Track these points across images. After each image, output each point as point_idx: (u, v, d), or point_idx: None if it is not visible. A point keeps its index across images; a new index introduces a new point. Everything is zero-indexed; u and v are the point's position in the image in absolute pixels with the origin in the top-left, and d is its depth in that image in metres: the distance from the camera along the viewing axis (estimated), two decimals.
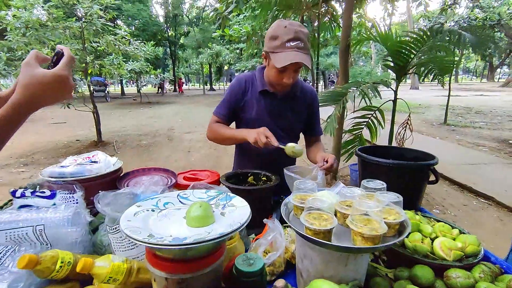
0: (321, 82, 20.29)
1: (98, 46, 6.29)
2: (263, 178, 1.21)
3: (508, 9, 16.35)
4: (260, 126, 1.35)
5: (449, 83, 8.14)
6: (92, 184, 1.08)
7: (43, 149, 6.50)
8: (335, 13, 5.39)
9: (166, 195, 0.81)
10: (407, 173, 1.14)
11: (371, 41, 3.84)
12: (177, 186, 1.17)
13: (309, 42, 1.24)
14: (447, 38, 2.49)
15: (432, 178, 1.16)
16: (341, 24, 5.16)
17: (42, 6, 5.61)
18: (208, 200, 0.79)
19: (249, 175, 1.24)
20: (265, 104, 1.38)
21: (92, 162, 1.15)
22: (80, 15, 5.81)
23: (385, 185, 0.91)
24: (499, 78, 41.89)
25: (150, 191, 0.88)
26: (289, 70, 1.22)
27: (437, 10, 16.37)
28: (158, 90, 27.47)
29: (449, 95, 8.48)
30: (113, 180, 1.18)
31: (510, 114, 10.40)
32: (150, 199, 0.76)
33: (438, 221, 1.02)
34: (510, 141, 6.40)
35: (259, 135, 1.18)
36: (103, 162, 1.17)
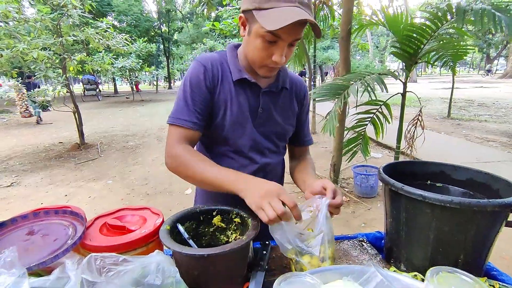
0: (318, 77, 19.71)
1: (75, 40, 5.77)
2: (236, 220, 0.78)
3: None
4: (238, 135, 0.90)
5: (453, 75, 7.76)
6: None
7: (21, 154, 6.02)
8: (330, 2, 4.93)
9: None
10: (475, 217, 0.66)
11: (367, 34, 3.40)
12: (84, 247, 0.70)
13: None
14: (476, 19, 2.05)
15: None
16: (335, 12, 4.72)
17: None
18: None
19: (214, 213, 0.80)
20: (244, 101, 0.89)
21: None
22: (55, 3, 5.27)
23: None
24: (496, 70, 41.51)
25: None
26: (282, 43, 0.77)
27: None
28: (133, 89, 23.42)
29: (452, 87, 8.10)
30: None
31: None
32: None
33: None
34: None
35: (269, 201, 0.67)
36: None
